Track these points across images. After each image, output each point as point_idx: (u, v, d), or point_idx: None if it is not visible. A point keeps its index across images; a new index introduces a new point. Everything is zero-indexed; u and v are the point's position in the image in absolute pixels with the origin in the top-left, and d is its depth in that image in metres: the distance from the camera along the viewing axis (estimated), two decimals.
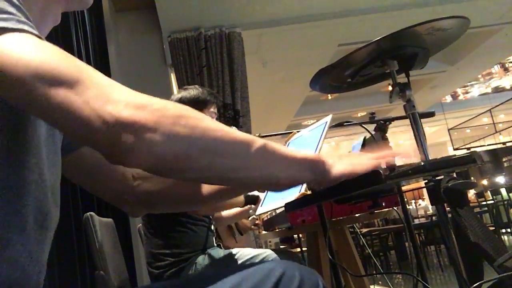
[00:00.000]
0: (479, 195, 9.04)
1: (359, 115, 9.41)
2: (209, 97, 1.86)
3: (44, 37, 0.67)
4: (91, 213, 1.35)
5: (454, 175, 0.85)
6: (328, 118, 1.32)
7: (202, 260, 1.72)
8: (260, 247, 4.69)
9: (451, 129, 10.64)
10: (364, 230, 6.17)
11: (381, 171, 0.68)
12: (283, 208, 1.20)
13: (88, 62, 2.86)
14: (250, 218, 2.28)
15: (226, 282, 0.57)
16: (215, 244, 1.88)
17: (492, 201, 6.92)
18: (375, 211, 1.67)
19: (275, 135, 2.05)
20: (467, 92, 10.34)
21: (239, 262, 1.72)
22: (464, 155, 0.77)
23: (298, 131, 1.56)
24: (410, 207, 10.31)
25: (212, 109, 1.87)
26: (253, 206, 1.93)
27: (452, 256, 0.89)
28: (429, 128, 11.94)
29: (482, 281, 0.84)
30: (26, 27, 0.48)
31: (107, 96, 0.47)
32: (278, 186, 0.63)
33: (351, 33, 4.56)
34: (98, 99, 0.46)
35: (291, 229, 1.76)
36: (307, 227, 1.70)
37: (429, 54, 1.06)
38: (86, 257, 2.24)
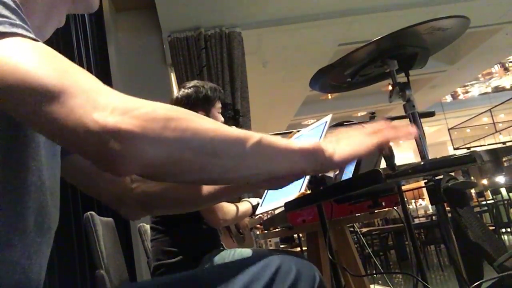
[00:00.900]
0: (479, 194, 9.04)
1: (359, 114, 9.41)
2: (214, 93, 1.85)
3: (47, 38, 0.67)
4: (91, 212, 1.35)
5: (459, 174, 0.85)
6: (328, 118, 1.32)
7: (209, 260, 1.72)
8: (260, 247, 4.69)
9: (451, 128, 10.65)
10: (364, 230, 6.17)
11: (381, 171, 0.68)
12: (283, 208, 1.20)
13: (88, 62, 2.86)
14: (257, 217, 2.28)
15: (222, 276, 0.57)
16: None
17: (492, 201, 6.92)
18: (375, 211, 1.67)
19: (275, 134, 2.04)
20: (467, 92, 10.34)
21: None
22: (464, 155, 0.77)
23: (298, 131, 1.56)
24: (410, 206, 10.31)
25: (219, 105, 1.87)
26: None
27: (452, 256, 0.89)
28: (429, 127, 11.94)
29: (482, 281, 0.84)
30: (19, 30, 0.48)
31: (93, 103, 0.45)
32: (279, 181, 0.62)
33: (351, 33, 4.57)
34: (82, 107, 0.44)
35: (291, 229, 1.76)
36: (307, 227, 1.70)
37: (429, 54, 1.06)
38: (86, 257, 2.24)
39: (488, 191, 8.91)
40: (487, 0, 4.42)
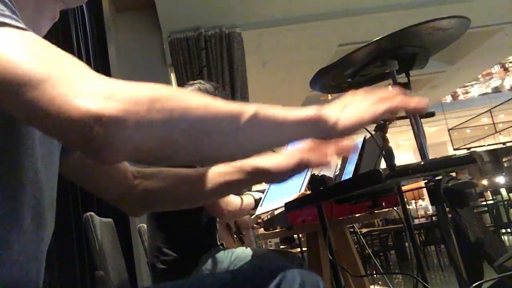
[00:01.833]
0: (479, 195, 9.04)
1: None
2: (216, 91, 1.85)
3: (44, 34, 0.67)
4: (91, 213, 1.35)
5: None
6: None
7: (206, 259, 1.72)
8: (260, 247, 4.69)
9: (451, 129, 10.65)
10: (364, 230, 6.17)
11: (381, 171, 0.68)
12: (283, 208, 1.20)
13: (88, 62, 2.86)
14: (253, 216, 2.27)
15: (227, 286, 0.57)
16: (218, 243, 1.88)
17: (492, 201, 6.92)
18: (375, 211, 1.67)
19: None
20: (467, 92, 10.34)
21: (242, 262, 1.72)
22: (464, 155, 0.77)
23: None
24: (410, 207, 10.30)
25: None
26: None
27: (452, 256, 0.89)
28: (429, 128, 11.94)
29: (482, 281, 0.84)
30: (7, 20, 0.47)
31: (76, 89, 0.43)
32: (282, 176, 0.60)
33: (351, 33, 4.56)
34: (65, 95, 0.43)
35: (291, 229, 1.76)
36: (307, 227, 1.70)
37: (429, 54, 1.06)
38: (86, 257, 2.24)
39: (488, 192, 8.91)
40: (487, 0, 4.42)
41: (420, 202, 11.52)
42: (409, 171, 0.73)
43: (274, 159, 0.75)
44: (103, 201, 0.89)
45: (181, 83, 3.77)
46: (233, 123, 0.51)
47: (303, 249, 3.24)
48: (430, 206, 9.77)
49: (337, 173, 1.68)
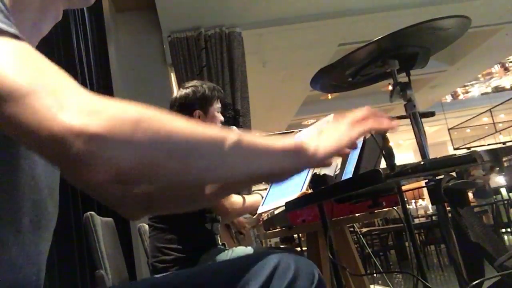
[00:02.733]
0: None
1: None
2: (213, 92, 1.85)
3: (46, 33, 0.67)
4: (91, 212, 1.35)
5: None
6: (330, 118, 1.32)
7: (207, 259, 1.72)
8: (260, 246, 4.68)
9: (451, 128, 10.65)
10: (364, 230, 6.17)
11: (380, 171, 0.68)
12: (283, 208, 1.20)
13: (88, 62, 2.86)
14: (255, 216, 2.28)
15: (220, 275, 0.57)
16: (220, 243, 1.88)
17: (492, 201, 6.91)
18: (375, 211, 1.67)
19: (276, 134, 2.05)
20: (467, 92, 10.34)
21: None
22: (464, 155, 0.77)
23: (299, 131, 1.56)
24: (410, 206, 10.31)
25: (218, 105, 1.86)
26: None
27: (452, 256, 0.89)
28: (429, 127, 11.94)
29: (482, 279, 0.84)
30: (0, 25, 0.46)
31: (60, 104, 0.42)
32: (263, 180, 0.61)
33: (351, 33, 4.56)
34: (48, 108, 0.42)
35: (291, 229, 1.76)
36: (307, 226, 1.70)
37: (430, 54, 1.06)
38: (86, 257, 2.24)
39: None
40: (487, 0, 4.42)
41: (420, 201, 11.53)
42: (409, 171, 0.73)
43: None
44: None
45: (181, 83, 3.77)
46: (216, 147, 0.51)
47: (303, 248, 3.24)
48: (430, 206, 9.78)
49: (337, 172, 1.69)
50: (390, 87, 1.06)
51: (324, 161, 0.62)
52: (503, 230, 6.33)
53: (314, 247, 1.88)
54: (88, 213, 1.35)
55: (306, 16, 4.19)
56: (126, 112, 0.44)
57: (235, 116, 3.80)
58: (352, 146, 0.64)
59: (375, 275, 4.10)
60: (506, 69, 9.32)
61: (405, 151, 13.59)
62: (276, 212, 1.76)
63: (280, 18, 4.16)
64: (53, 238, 0.66)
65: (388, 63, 1.02)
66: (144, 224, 2.02)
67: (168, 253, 1.72)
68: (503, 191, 8.20)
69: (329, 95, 8.34)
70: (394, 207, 1.72)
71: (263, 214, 2.05)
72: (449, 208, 0.91)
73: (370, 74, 1.11)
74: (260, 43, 4.57)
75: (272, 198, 1.57)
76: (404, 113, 1.06)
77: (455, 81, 8.08)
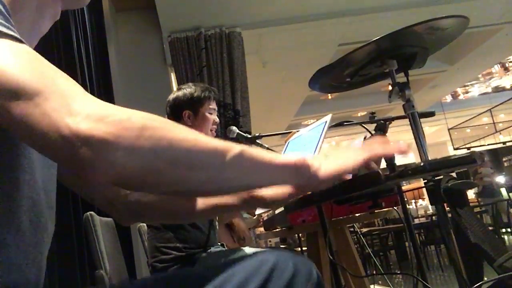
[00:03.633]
0: (479, 194, 9.03)
1: (359, 114, 9.41)
2: (204, 93, 1.85)
3: (44, 33, 0.67)
4: (91, 212, 1.35)
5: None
6: (327, 118, 1.32)
7: (204, 258, 1.72)
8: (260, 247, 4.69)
9: (451, 128, 10.65)
10: (364, 230, 6.17)
11: (380, 172, 0.68)
12: (283, 208, 1.20)
13: (88, 62, 2.86)
14: (255, 217, 2.28)
15: (217, 276, 0.57)
16: (218, 243, 1.88)
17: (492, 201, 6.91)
18: (375, 211, 1.67)
19: (275, 134, 2.05)
20: (467, 92, 10.34)
21: None
22: (464, 155, 0.77)
23: (297, 131, 1.56)
24: (410, 207, 10.30)
25: (210, 106, 1.86)
26: None
27: (452, 256, 0.89)
28: (429, 127, 11.94)
29: (482, 282, 0.84)
30: (0, 28, 0.47)
31: (68, 108, 0.44)
32: (286, 198, 0.61)
33: (351, 33, 4.56)
34: (57, 111, 0.43)
35: (291, 229, 1.76)
36: (307, 227, 1.71)
37: (428, 54, 1.06)
38: (86, 257, 2.24)
39: None
40: (487, 0, 4.42)
41: (420, 201, 11.52)
42: (408, 172, 0.73)
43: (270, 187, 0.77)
44: None
45: (181, 83, 3.77)
46: (218, 158, 0.52)
47: (303, 248, 3.24)
48: (430, 206, 9.77)
49: None
50: (389, 87, 1.06)
51: (325, 181, 0.62)
52: (503, 230, 6.32)
53: (314, 248, 1.88)
54: (88, 213, 1.35)
55: (306, 16, 4.19)
56: (131, 119, 0.46)
57: (235, 116, 3.79)
58: (355, 168, 0.64)
59: (375, 275, 4.10)
60: (506, 69, 9.31)
61: None
62: (276, 212, 1.76)
63: (280, 18, 4.16)
64: (53, 238, 0.66)
65: (387, 63, 1.02)
66: (144, 225, 2.02)
67: (167, 252, 1.72)
68: (503, 191, 8.19)
69: (329, 95, 8.33)
70: (394, 207, 1.72)
71: (263, 215, 2.05)
72: (448, 208, 0.91)
73: (369, 74, 1.11)
74: (260, 43, 4.57)
75: None
76: (403, 113, 1.06)
77: (455, 81, 8.08)
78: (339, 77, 1.12)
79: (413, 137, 1.01)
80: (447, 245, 0.91)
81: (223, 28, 3.94)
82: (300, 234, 3.35)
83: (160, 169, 0.47)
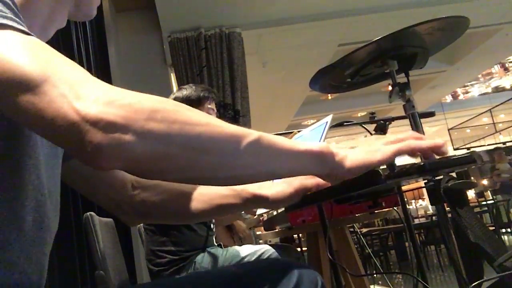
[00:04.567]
0: (479, 195, 9.04)
1: (359, 115, 9.41)
2: (203, 93, 1.85)
3: (50, 37, 0.68)
4: (91, 213, 1.35)
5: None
6: (328, 118, 1.32)
7: (201, 259, 1.72)
8: None
9: (451, 129, 10.65)
10: (364, 230, 6.17)
11: (380, 171, 0.67)
12: (283, 208, 1.20)
13: (88, 62, 2.86)
14: (255, 216, 2.28)
15: (222, 280, 0.57)
16: (215, 244, 1.88)
17: (492, 201, 6.92)
18: (375, 211, 1.67)
19: (275, 134, 2.05)
20: (467, 92, 10.33)
21: (238, 259, 1.72)
22: (464, 155, 0.77)
23: (298, 131, 1.56)
24: (410, 207, 10.31)
25: (209, 106, 1.86)
26: None
27: (452, 256, 0.89)
28: (429, 128, 11.93)
29: (482, 280, 0.84)
30: (9, 22, 0.47)
31: (75, 93, 0.43)
32: (291, 198, 0.60)
33: (351, 33, 4.56)
34: (65, 96, 0.43)
35: (291, 229, 1.76)
36: (307, 227, 1.70)
37: (429, 54, 1.06)
38: (86, 257, 2.24)
39: (488, 191, 8.91)
40: (487, 0, 4.42)
41: (420, 202, 11.53)
42: (409, 172, 0.73)
43: (273, 187, 0.76)
44: None
45: (181, 83, 3.77)
46: (234, 144, 0.49)
47: (303, 248, 3.24)
48: (430, 206, 9.78)
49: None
50: (390, 88, 1.06)
51: (351, 171, 0.57)
52: (503, 230, 6.33)
53: (314, 248, 1.88)
54: (88, 213, 1.35)
55: (306, 16, 4.19)
56: (141, 103, 0.45)
57: (235, 116, 3.80)
58: (385, 162, 0.59)
59: (375, 275, 4.10)
60: (506, 69, 9.31)
61: None
62: (276, 212, 1.76)
63: (280, 18, 4.16)
64: (53, 239, 0.66)
65: (388, 63, 1.02)
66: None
67: (162, 255, 1.72)
68: None
69: (329, 95, 8.33)
70: (394, 208, 1.72)
71: (263, 215, 2.05)
72: (448, 208, 0.91)
73: (370, 75, 1.11)
74: (260, 43, 4.57)
75: None
76: (403, 114, 1.06)
77: (455, 81, 8.08)
78: (340, 77, 1.12)
79: None
80: (447, 245, 0.91)
81: (223, 28, 3.94)
82: (300, 234, 3.36)
83: (172, 153, 0.45)
